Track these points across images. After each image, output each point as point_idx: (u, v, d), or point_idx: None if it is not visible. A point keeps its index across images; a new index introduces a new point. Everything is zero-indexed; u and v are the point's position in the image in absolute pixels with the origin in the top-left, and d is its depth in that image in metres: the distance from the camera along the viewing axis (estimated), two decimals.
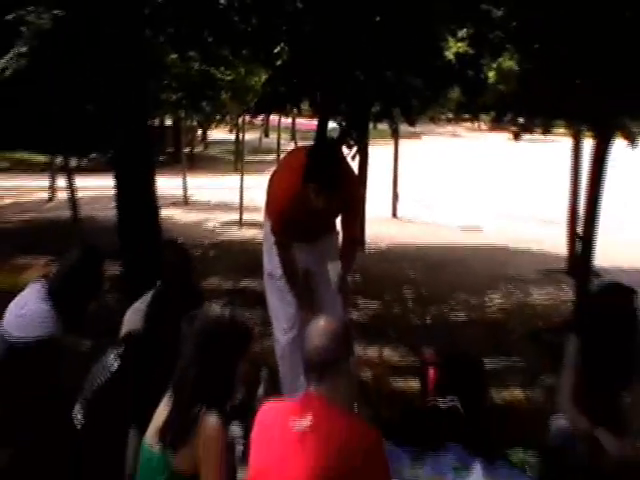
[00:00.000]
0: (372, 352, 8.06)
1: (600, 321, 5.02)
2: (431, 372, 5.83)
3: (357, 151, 11.29)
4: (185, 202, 19.26)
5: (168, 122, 19.26)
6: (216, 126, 19.05)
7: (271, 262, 5.70)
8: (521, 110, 11.17)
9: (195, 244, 12.22)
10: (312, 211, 5.26)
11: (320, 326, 3.40)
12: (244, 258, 12.28)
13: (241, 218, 17.55)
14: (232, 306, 3.76)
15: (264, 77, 11.39)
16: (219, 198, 19.54)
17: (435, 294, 11.51)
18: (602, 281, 8.92)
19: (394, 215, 19.18)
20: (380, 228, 16.37)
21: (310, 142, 10.48)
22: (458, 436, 5.17)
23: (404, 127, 13.93)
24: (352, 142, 10.71)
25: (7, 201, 18.05)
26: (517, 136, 12.09)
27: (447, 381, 5.67)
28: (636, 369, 5.01)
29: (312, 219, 5.33)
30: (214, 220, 17.51)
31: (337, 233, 5.82)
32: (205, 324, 3.59)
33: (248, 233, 15.97)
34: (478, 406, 5.55)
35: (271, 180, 5.70)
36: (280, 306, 5.77)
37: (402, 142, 19.28)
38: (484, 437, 5.25)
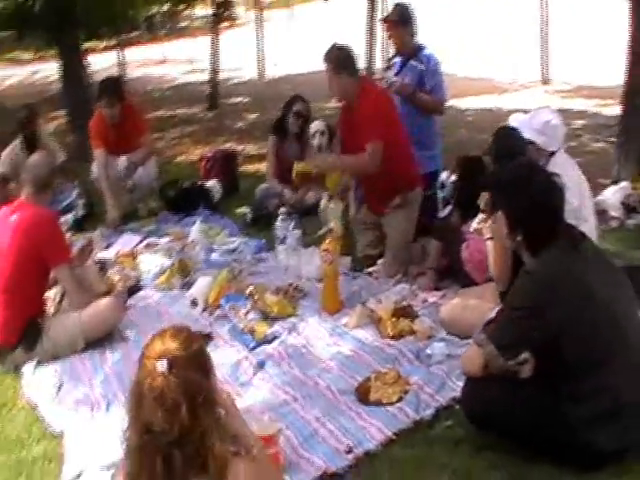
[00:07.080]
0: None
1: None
2: (203, 163, 6.16)
3: None
4: None
5: None
6: None
7: None
8: None
9: None
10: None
11: (37, 155, 3.67)
12: None
13: None
14: None
15: None
16: None
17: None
18: None
19: None
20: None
21: None
22: (208, 206, 5.52)
23: None
24: None
25: None
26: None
27: (213, 168, 6.01)
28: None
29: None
30: None
31: None
32: None
33: None
34: (231, 186, 5.94)
35: None
36: None
37: None
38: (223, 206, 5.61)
